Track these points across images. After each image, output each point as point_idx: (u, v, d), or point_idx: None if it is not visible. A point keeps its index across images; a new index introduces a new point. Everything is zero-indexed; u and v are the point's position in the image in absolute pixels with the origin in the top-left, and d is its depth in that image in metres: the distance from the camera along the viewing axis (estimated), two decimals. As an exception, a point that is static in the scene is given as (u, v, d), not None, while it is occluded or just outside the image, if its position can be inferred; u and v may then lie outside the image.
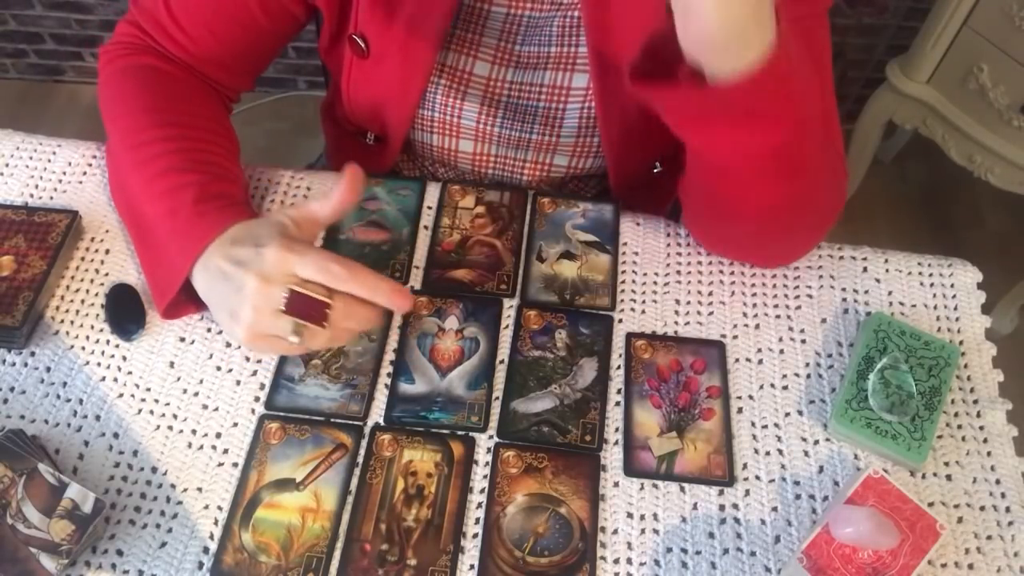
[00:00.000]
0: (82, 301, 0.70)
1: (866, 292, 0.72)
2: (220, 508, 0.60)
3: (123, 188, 0.69)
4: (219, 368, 0.66)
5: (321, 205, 0.59)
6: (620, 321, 0.69)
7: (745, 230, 0.68)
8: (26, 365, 0.66)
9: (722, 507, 0.61)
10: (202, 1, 0.70)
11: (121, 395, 0.65)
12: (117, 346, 0.67)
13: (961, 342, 0.69)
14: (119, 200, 0.72)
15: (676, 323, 0.70)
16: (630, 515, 0.60)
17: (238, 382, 0.66)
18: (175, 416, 0.64)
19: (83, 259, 0.72)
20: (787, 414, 0.65)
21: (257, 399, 0.65)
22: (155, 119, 0.68)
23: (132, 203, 0.68)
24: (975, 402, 0.66)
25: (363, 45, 0.72)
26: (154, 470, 0.62)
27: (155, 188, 0.64)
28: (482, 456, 0.62)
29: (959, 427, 0.64)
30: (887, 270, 0.73)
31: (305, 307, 0.55)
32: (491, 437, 0.63)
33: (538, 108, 0.75)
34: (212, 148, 0.68)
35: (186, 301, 0.65)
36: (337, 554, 0.58)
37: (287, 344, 0.57)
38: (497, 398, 0.65)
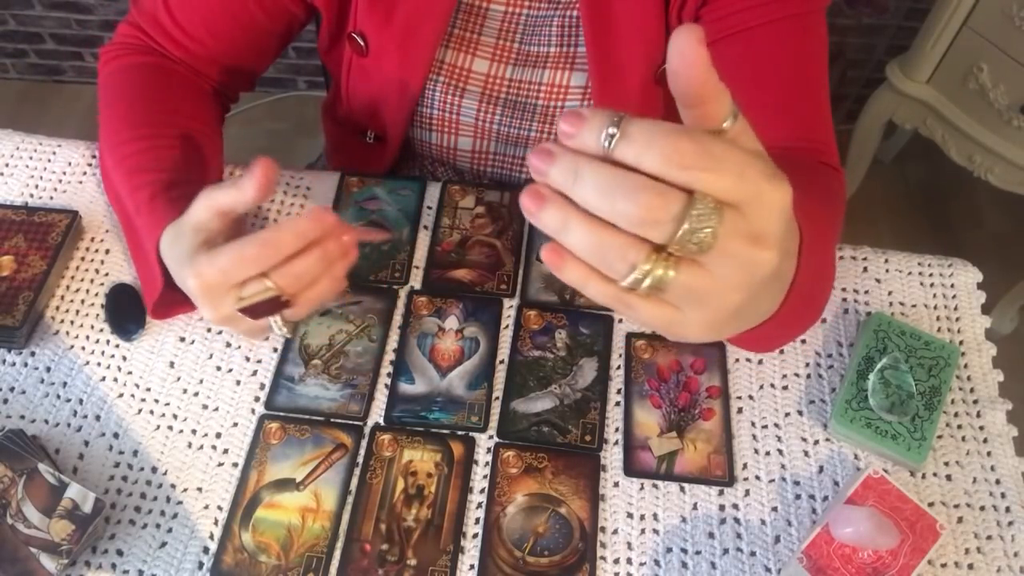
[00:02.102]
0: (82, 301, 0.70)
1: (866, 292, 0.72)
2: (220, 508, 0.60)
3: (110, 187, 0.69)
4: (219, 368, 0.66)
5: (233, 199, 0.53)
6: (620, 321, 0.69)
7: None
8: (26, 365, 0.66)
9: (722, 507, 0.61)
10: (202, 1, 0.70)
11: (121, 395, 0.65)
12: (117, 346, 0.67)
13: (961, 342, 0.69)
14: (110, 199, 0.72)
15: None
16: (630, 515, 0.60)
17: (238, 382, 0.66)
18: (175, 416, 0.64)
19: (83, 259, 0.72)
20: (787, 414, 0.65)
21: (257, 399, 0.65)
22: (134, 119, 0.68)
23: (117, 202, 0.68)
24: (975, 402, 0.66)
25: (362, 43, 0.72)
26: (154, 470, 0.62)
27: (127, 186, 0.64)
28: (482, 456, 0.62)
29: (959, 427, 0.64)
30: (887, 270, 0.73)
31: (258, 310, 0.52)
32: (491, 437, 0.63)
33: (536, 105, 0.75)
34: (185, 147, 0.67)
35: (178, 300, 0.62)
36: (337, 554, 0.58)
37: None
38: (497, 398, 0.65)
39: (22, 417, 0.64)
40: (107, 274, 0.71)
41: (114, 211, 0.72)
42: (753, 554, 0.59)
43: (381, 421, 0.64)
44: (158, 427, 0.64)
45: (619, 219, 0.32)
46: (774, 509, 0.61)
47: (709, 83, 0.33)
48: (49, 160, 0.78)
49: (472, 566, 0.58)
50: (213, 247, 0.51)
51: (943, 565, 0.58)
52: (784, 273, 0.40)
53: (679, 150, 0.31)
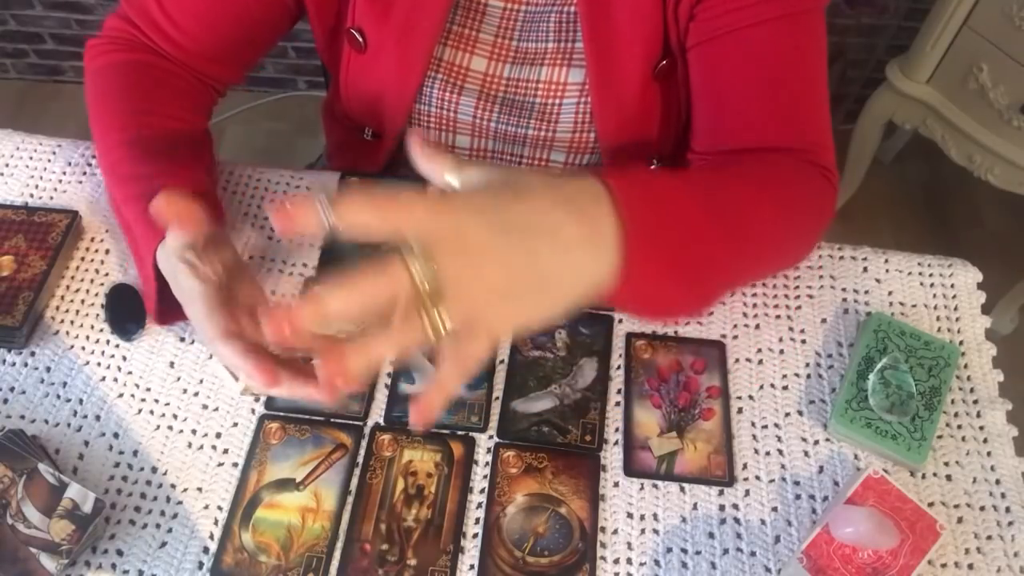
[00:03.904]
0: (82, 301, 0.70)
1: (866, 292, 0.72)
2: (220, 508, 0.60)
3: (108, 191, 0.70)
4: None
5: (189, 237, 0.56)
6: (620, 321, 0.69)
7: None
8: (26, 365, 0.66)
9: (722, 507, 0.61)
10: (207, 18, 0.70)
11: (121, 395, 0.65)
12: (117, 346, 0.67)
13: (961, 342, 0.69)
14: (109, 202, 0.72)
15: (676, 323, 0.70)
16: (630, 515, 0.60)
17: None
18: (175, 416, 0.64)
19: (83, 259, 0.72)
20: (787, 414, 0.65)
21: (257, 399, 0.65)
22: (124, 122, 0.67)
23: (116, 208, 0.68)
24: (975, 402, 0.66)
25: (360, 39, 0.72)
26: (154, 470, 0.62)
27: (122, 194, 0.65)
28: (482, 456, 0.62)
29: (959, 427, 0.64)
30: (887, 270, 0.73)
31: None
32: (491, 437, 0.63)
33: (534, 104, 0.75)
34: (174, 149, 0.67)
35: (176, 307, 0.60)
36: (337, 554, 0.58)
37: None
38: (497, 398, 0.65)
39: (22, 417, 0.64)
40: (107, 274, 0.71)
41: (114, 214, 0.72)
42: (753, 554, 0.59)
43: (381, 421, 0.64)
44: (158, 427, 0.64)
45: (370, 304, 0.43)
46: (774, 509, 0.61)
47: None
48: (49, 160, 0.78)
49: (472, 566, 0.58)
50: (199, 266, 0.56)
51: (943, 565, 0.58)
52: (552, 228, 0.43)
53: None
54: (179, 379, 0.66)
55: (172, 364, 0.66)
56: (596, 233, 0.44)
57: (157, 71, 0.72)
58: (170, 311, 0.63)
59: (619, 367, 0.67)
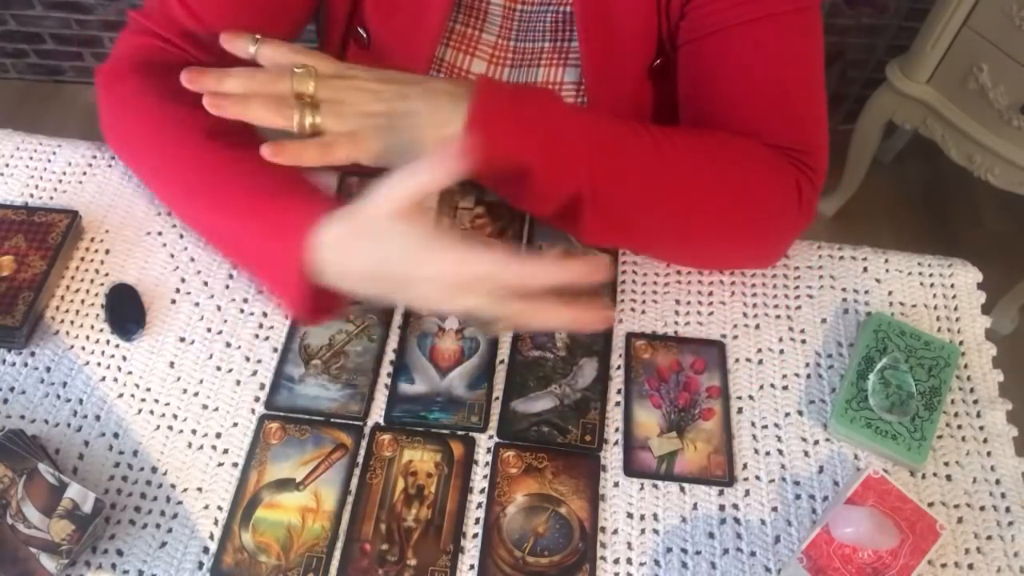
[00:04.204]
0: (82, 301, 0.70)
1: (866, 292, 0.72)
2: (220, 508, 0.60)
3: (191, 198, 0.65)
4: (219, 368, 0.66)
5: (419, 185, 0.52)
6: (620, 321, 0.69)
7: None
8: (26, 365, 0.66)
9: (722, 507, 0.61)
10: (240, 17, 0.67)
11: (121, 395, 0.65)
12: (117, 346, 0.67)
13: (961, 342, 0.69)
14: (191, 215, 0.68)
15: (676, 323, 0.70)
16: (630, 515, 0.60)
17: (238, 382, 0.66)
18: (175, 416, 0.64)
19: (83, 259, 0.72)
20: (787, 414, 0.65)
21: (257, 399, 0.65)
22: (189, 119, 0.63)
23: (207, 211, 0.64)
24: (975, 402, 0.66)
25: (365, 35, 0.72)
26: (154, 470, 0.62)
27: (228, 185, 0.61)
28: (482, 456, 0.62)
29: (959, 427, 0.64)
30: (887, 270, 0.73)
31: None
32: (491, 437, 0.63)
33: None
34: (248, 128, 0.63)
35: (325, 299, 0.58)
36: (337, 554, 0.58)
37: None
38: (497, 398, 0.65)
39: (22, 417, 0.64)
40: (107, 274, 0.71)
41: (197, 228, 0.68)
42: (753, 554, 0.59)
43: (381, 421, 0.64)
44: (158, 427, 0.64)
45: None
46: (774, 509, 0.61)
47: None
48: (49, 160, 0.78)
49: (472, 566, 0.58)
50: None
51: (943, 565, 0.58)
52: (424, 80, 0.57)
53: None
54: (179, 379, 0.66)
55: (172, 364, 0.66)
56: (458, 88, 0.56)
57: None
58: (322, 305, 0.58)
59: (619, 367, 0.67)
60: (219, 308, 0.69)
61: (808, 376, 0.67)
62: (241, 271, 0.70)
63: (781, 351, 0.68)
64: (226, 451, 0.63)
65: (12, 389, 0.65)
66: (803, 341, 0.69)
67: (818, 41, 0.66)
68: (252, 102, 0.55)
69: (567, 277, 0.51)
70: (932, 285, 0.72)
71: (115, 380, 0.66)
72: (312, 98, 0.55)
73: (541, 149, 0.56)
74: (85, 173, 0.78)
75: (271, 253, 0.58)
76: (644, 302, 0.71)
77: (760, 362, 0.68)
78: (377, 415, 0.64)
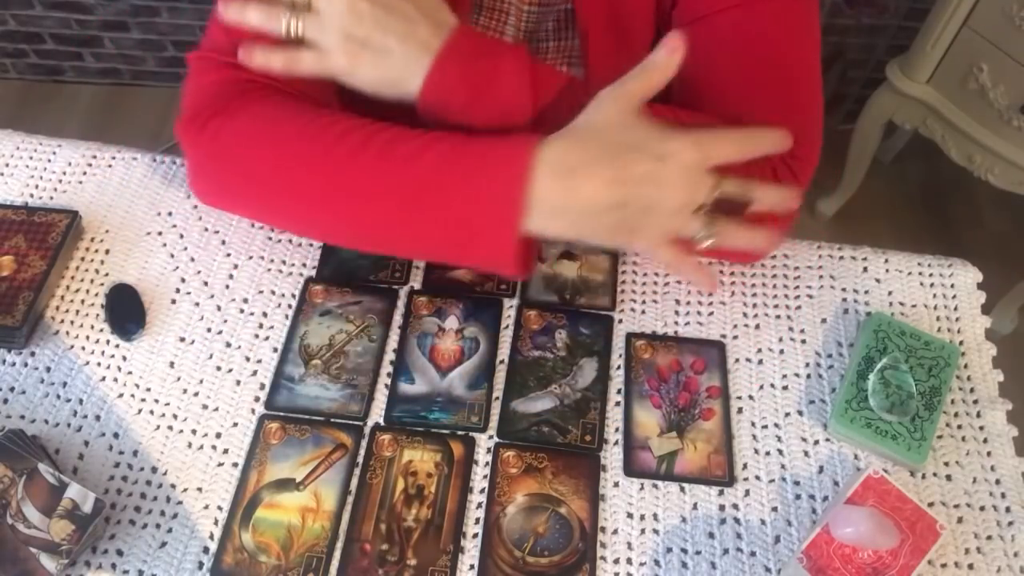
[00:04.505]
0: (82, 301, 0.70)
1: (866, 292, 0.72)
2: (220, 508, 0.60)
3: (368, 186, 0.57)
4: (219, 368, 0.66)
5: (644, 85, 0.53)
6: (620, 321, 0.69)
7: None
8: (26, 365, 0.66)
9: (722, 507, 0.61)
10: None
11: (121, 395, 0.65)
12: (117, 346, 0.67)
13: (961, 342, 0.69)
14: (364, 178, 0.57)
15: (676, 323, 0.70)
16: (630, 515, 0.60)
17: (238, 382, 0.66)
18: (175, 416, 0.64)
19: (83, 259, 0.72)
20: (787, 414, 0.65)
21: (257, 399, 0.65)
22: (311, 108, 0.60)
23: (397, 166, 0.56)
24: (975, 402, 0.66)
25: None
26: (154, 470, 0.62)
27: (405, 140, 0.57)
28: (482, 456, 0.62)
29: (959, 427, 0.64)
30: (887, 270, 0.73)
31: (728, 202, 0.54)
32: (491, 437, 0.63)
33: None
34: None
35: (531, 243, 0.55)
36: (337, 554, 0.58)
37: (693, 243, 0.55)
38: (497, 398, 0.65)
39: (22, 417, 0.64)
40: (107, 274, 0.71)
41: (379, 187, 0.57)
42: (753, 554, 0.59)
43: (381, 421, 0.64)
44: (158, 427, 0.64)
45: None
46: (774, 509, 0.61)
47: None
48: (49, 160, 0.79)
49: (472, 566, 0.58)
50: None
51: (943, 565, 0.58)
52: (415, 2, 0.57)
53: None
54: (179, 379, 0.66)
55: (172, 364, 0.67)
56: (443, 17, 0.57)
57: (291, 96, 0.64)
58: (528, 250, 0.56)
59: (619, 367, 0.67)
60: (219, 308, 0.69)
61: (808, 376, 0.67)
62: (438, 249, 0.61)
63: (781, 351, 0.68)
64: (226, 451, 0.63)
65: (12, 389, 0.65)
66: (803, 341, 0.69)
67: (816, 29, 0.65)
68: (250, 5, 0.56)
69: (760, 144, 0.55)
70: (932, 285, 0.72)
71: (115, 380, 0.66)
72: (308, 6, 0.56)
73: (478, 93, 0.57)
74: (85, 173, 0.78)
75: (487, 196, 0.53)
76: (644, 302, 0.71)
77: (760, 362, 0.68)
78: (377, 415, 0.64)
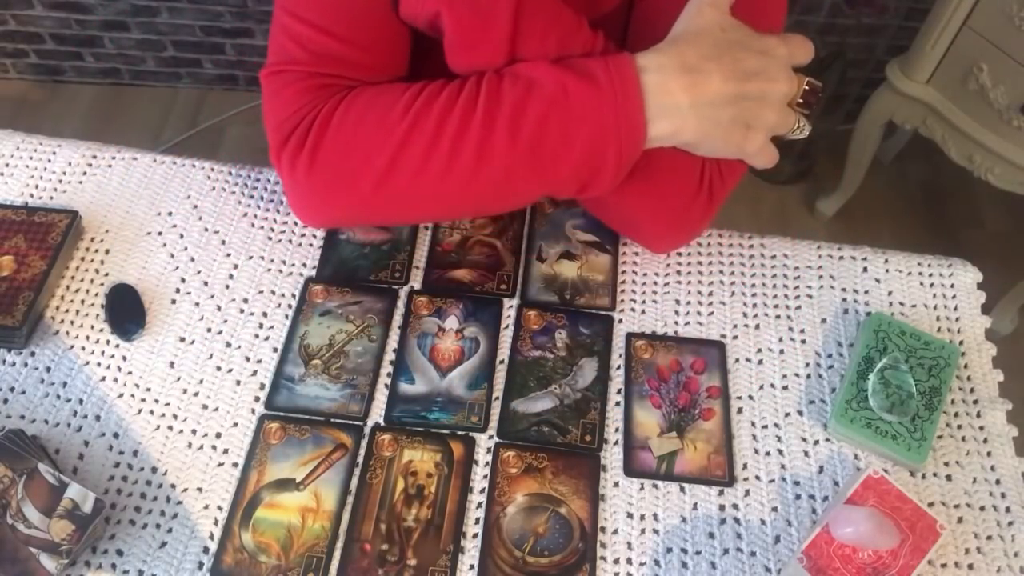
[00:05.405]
0: (82, 301, 0.70)
1: (866, 292, 0.72)
2: (220, 508, 0.60)
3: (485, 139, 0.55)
4: (219, 368, 0.66)
5: None
6: (620, 321, 0.69)
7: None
8: (26, 365, 0.66)
9: (722, 507, 0.61)
10: (370, 22, 0.61)
11: (121, 395, 0.65)
12: (117, 346, 0.67)
13: (961, 342, 0.69)
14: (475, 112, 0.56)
15: (676, 323, 0.70)
16: (630, 515, 0.60)
17: (238, 382, 0.66)
18: (175, 416, 0.64)
19: (83, 259, 0.72)
20: (787, 414, 0.65)
21: (257, 399, 0.65)
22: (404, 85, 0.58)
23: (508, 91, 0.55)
24: (975, 402, 0.66)
25: None
26: (154, 470, 0.62)
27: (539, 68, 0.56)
28: (482, 456, 0.62)
29: (959, 427, 0.64)
30: (887, 270, 0.73)
31: (810, 95, 0.58)
32: (491, 437, 0.63)
33: None
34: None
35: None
36: (337, 554, 0.58)
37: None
38: (497, 398, 0.65)
39: (22, 417, 0.64)
40: (107, 274, 0.71)
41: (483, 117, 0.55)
42: (753, 554, 0.59)
43: (381, 421, 0.64)
44: (158, 427, 0.64)
45: None
46: (774, 509, 0.61)
47: None
48: (49, 160, 0.79)
49: (472, 566, 0.58)
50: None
51: (943, 565, 0.58)
52: None
53: None
54: (179, 379, 0.66)
55: (172, 364, 0.67)
56: None
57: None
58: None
59: (619, 367, 0.67)
60: (219, 308, 0.69)
61: (808, 376, 0.67)
62: (565, 190, 0.60)
63: (781, 351, 0.68)
64: (226, 451, 0.63)
65: (12, 389, 0.65)
66: (803, 341, 0.69)
67: None
68: None
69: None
70: (932, 285, 0.72)
71: (115, 380, 0.66)
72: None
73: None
74: (85, 173, 0.78)
75: (613, 123, 0.54)
76: (644, 302, 0.71)
77: (760, 362, 0.68)
78: (377, 415, 0.64)
